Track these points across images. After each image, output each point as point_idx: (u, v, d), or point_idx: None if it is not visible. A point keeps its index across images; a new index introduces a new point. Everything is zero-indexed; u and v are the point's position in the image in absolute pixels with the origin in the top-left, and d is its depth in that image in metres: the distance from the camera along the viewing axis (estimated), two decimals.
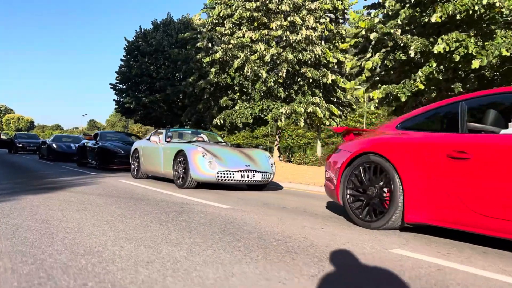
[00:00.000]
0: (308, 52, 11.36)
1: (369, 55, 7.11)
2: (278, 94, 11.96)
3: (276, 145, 13.74)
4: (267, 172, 6.58)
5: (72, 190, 5.95)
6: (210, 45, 11.93)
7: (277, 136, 13.91)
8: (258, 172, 6.43)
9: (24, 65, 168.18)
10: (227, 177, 6.18)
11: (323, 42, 11.96)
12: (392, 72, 7.02)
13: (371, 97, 6.94)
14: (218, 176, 6.13)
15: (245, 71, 11.37)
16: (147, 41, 18.72)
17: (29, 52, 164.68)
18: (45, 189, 5.97)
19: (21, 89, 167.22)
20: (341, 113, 12.43)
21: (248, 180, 6.33)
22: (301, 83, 12.02)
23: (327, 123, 11.77)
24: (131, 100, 18.29)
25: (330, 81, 11.47)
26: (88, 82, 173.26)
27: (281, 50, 11.27)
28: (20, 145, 24.84)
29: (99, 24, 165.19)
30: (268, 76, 11.48)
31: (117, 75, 19.81)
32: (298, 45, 11.26)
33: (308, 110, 11.15)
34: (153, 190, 6.21)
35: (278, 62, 11.51)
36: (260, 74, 11.41)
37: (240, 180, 6.26)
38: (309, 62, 11.68)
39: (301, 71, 11.50)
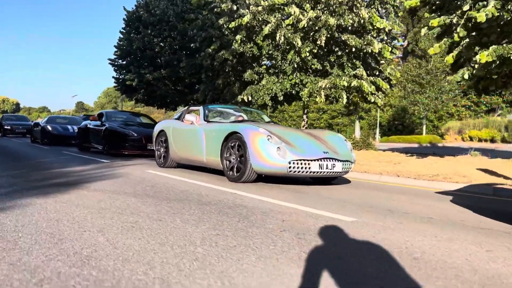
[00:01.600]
0: (352, 16, 9.67)
1: (466, 7, 5.51)
2: (312, 66, 10.31)
3: (304, 126, 12.17)
4: (348, 161, 5.03)
5: (94, 187, 4.33)
6: (235, 8, 10.13)
7: (304, 116, 12.32)
8: (338, 161, 4.87)
9: (7, 47, 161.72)
10: (302, 168, 4.61)
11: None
12: (498, 30, 5.46)
13: (478, 60, 5.36)
14: (290, 167, 4.56)
15: (277, 38, 9.64)
16: (150, 11, 16.69)
17: (13, 32, 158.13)
18: (56, 187, 4.35)
19: (5, 70, 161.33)
20: (389, 87, 10.87)
21: (327, 172, 4.78)
22: (339, 53, 10.37)
23: (372, 99, 10.22)
24: (133, 77, 16.39)
25: (377, 51, 9.87)
26: (75, 63, 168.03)
27: (320, 13, 9.55)
28: (8, 127, 22.90)
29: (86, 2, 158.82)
30: (303, 45, 9.79)
31: (116, 50, 17.79)
32: (340, 7, 9.55)
33: (352, 84, 9.56)
34: (204, 186, 4.62)
35: (315, 28, 9.81)
36: (294, 43, 9.71)
37: (317, 172, 4.71)
38: (349, 28, 10.02)
39: (342, 38, 9.83)
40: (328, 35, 9.78)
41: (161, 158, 6.77)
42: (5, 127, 22.71)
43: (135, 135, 9.24)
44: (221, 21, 10.23)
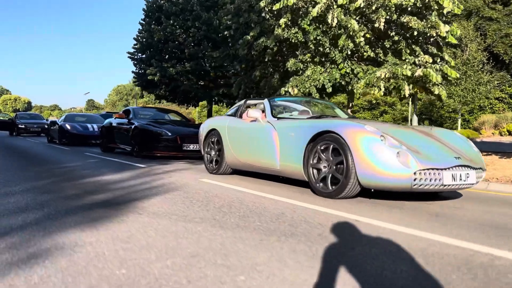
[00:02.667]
0: None
1: None
2: (365, 53, 9.03)
3: None
4: (480, 169, 3.80)
5: (152, 209, 3.17)
6: None
7: (349, 111, 11.04)
8: (472, 169, 3.64)
9: (19, 45, 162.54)
10: (431, 180, 3.38)
11: None
12: None
13: None
14: (415, 179, 3.34)
15: (328, 20, 8.37)
16: (171, 0, 15.51)
17: (25, 31, 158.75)
18: (102, 208, 3.19)
19: (16, 68, 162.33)
20: (459, 76, 9.54)
21: (460, 185, 3.54)
22: (396, 38, 9.07)
23: (436, 91, 8.91)
24: (155, 71, 15.23)
25: (444, 34, 8.58)
26: (86, 62, 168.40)
27: None
28: (22, 126, 21.97)
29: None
30: (359, 28, 8.51)
31: (136, 42, 16.63)
32: None
33: (417, 74, 8.28)
34: (299, 206, 3.41)
35: (371, 9, 8.53)
36: (349, 25, 8.43)
37: (448, 186, 3.48)
38: (409, 9, 8.71)
39: (403, 21, 8.53)
40: (388, 17, 8.48)
41: (212, 163, 5.60)
42: (19, 126, 21.81)
43: (169, 134, 8.11)
44: (262, 3, 8.99)
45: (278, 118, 4.71)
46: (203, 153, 5.84)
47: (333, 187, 3.73)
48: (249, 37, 9.51)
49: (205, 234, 2.49)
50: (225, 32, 11.04)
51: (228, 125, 5.31)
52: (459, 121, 24.56)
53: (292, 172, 4.25)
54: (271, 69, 10.39)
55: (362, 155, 3.46)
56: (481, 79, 22.01)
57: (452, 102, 23.37)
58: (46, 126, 19.12)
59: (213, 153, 5.60)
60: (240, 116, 5.32)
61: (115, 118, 10.16)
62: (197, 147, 8.12)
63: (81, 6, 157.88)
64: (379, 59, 9.56)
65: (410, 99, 12.52)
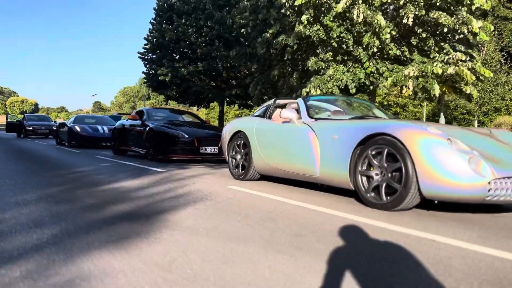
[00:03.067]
0: None
1: None
2: (390, 52, 8.56)
3: None
4: None
5: (187, 223, 2.73)
6: None
7: None
8: None
9: (25, 47, 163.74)
10: (507, 190, 2.92)
11: None
12: None
13: None
14: (490, 190, 2.87)
15: (354, 16, 7.91)
16: None
17: (30, 33, 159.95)
18: (127, 222, 2.76)
19: (23, 70, 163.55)
20: (492, 75, 9.05)
21: None
22: (423, 35, 8.59)
23: (468, 90, 8.44)
24: (166, 72, 14.84)
25: (477, 30, 8.09)
26: (92, 63, 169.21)
27: None
28: (30, 128, 21.72)
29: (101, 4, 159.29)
30: (386, 25, 8.03)
31: (146, 42, 16.26)
32: None
33: (449, 71, 7.80)
34: (362, 222, 2.94)
35: (398, 4, 8.06)
36: (375, 21, 7.96)
37: None
38: (438, 4, 8.23)
39: (434, 17, 8.04)
40: (416, 12, 8.01)
41: (238, 168, 5.15)
42: (27, 127, 21.56)
43: (186, 136, 7.68)
44: None
45: (316, 119, 4.25)
46: (227, 157, 5.40)
47: (388, 197, 3.26)
48: (268, 35, 9.07)
49: (261, 259, 2.03)
50: (242, 30, 10.62)
51: (257, 127, 4.86)
52: (475, 123, 23.93)
53: (335, 180, 3.79)
54: (289, 68, 9.95)
55: (426, 162, 2.99)
56: (499, 80, 21.39)
57: (469, 103, 22.73)
58: (54, 128, 18.82)
59: (239, 157, 5.15)
60: (270, 117, 4.87)
61: (127, 120, 9.76)
62: (215, 150, 7.69)
63: (85, 9, 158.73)
64: (403, 57, 9.08)
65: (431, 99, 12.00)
